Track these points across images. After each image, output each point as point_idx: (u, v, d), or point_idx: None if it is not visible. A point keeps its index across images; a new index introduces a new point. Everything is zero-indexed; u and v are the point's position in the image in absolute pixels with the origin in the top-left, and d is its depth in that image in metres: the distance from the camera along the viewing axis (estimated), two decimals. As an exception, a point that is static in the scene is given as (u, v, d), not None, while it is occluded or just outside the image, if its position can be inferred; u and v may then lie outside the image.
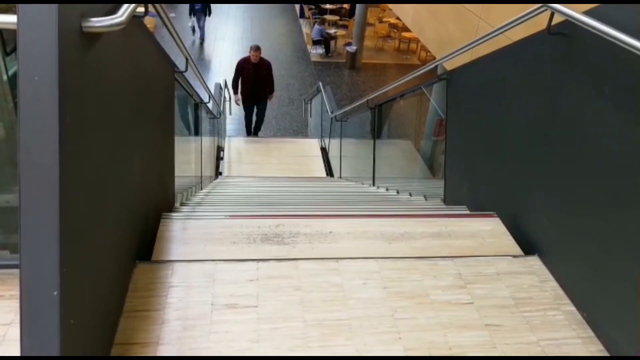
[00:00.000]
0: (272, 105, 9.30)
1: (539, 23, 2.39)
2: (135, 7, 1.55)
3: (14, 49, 1.15)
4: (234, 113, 9.46)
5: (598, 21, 1.88)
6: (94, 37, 1.39)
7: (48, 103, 1.15)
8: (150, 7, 2.10)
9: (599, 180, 2.02)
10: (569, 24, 2.13)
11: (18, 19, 1.13)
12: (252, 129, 9.21)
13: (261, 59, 8.15)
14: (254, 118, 9.05)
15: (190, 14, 14.31)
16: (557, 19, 2.27)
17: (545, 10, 2.33)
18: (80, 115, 1.33)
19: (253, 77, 8.19)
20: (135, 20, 1.86)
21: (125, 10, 1.46)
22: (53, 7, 1.14)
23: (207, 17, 14.62)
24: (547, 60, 2.45)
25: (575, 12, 2.05)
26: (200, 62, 13.55)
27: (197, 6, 14.12)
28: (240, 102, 8.59)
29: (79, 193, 1.33)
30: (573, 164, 2.19)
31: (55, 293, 1.17)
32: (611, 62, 1.97)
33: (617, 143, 1.91)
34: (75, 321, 1.28)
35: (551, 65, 2.41)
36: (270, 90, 8.58)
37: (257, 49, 8.03)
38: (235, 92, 8.49)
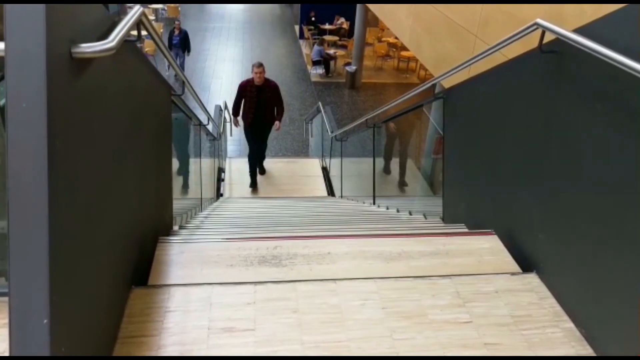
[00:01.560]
0: (278, 131, 8.24)
1: (536, 40, 2.40)
2: (126, 33, 1.57)
3: (3, 77, 1.15)
4: (234, 134, 9.44)
5: (587, 38, 1.89)
6: (84, 62, 1.40)
7: (36, 129, 1.15)
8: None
9: (595, 196, 2.00)
10: (560, 42, 2.14)
11: (5, 45, 1.14)
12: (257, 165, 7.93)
13: (266, 80, 6.92)
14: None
15: (169, 49, 13.46)
16: (549, 36, 2.28)
17: (537, 28, 2.35)
18: (71, 140, 1.33)
19: (256, 101, 6.96)
20: (128, 44, 1.87)
21: (115, 36, 1.48)
22: (41, 34, 1.15)
23: (185, 55, 13.64)
24: (540, 77, 2.45)
25: (564, 30, 2.07)
26: (198, 87, 13.59)
27: (175, 41, 13.09)
28: (240, 125, 7.58)
29: (69, 219, 1.32)
30: (569, 181, 2.18)
31: (45, 321, 1.16)
32: (601, 78, 1.97)
33: (612, 159, 1.90)
34: (66, 349, 1.26)
35: (545, 83, 2.41)
36: (280, 115, 7.31)
37: (259, 65, 6.77)
38: (236, 115, 7.42)
